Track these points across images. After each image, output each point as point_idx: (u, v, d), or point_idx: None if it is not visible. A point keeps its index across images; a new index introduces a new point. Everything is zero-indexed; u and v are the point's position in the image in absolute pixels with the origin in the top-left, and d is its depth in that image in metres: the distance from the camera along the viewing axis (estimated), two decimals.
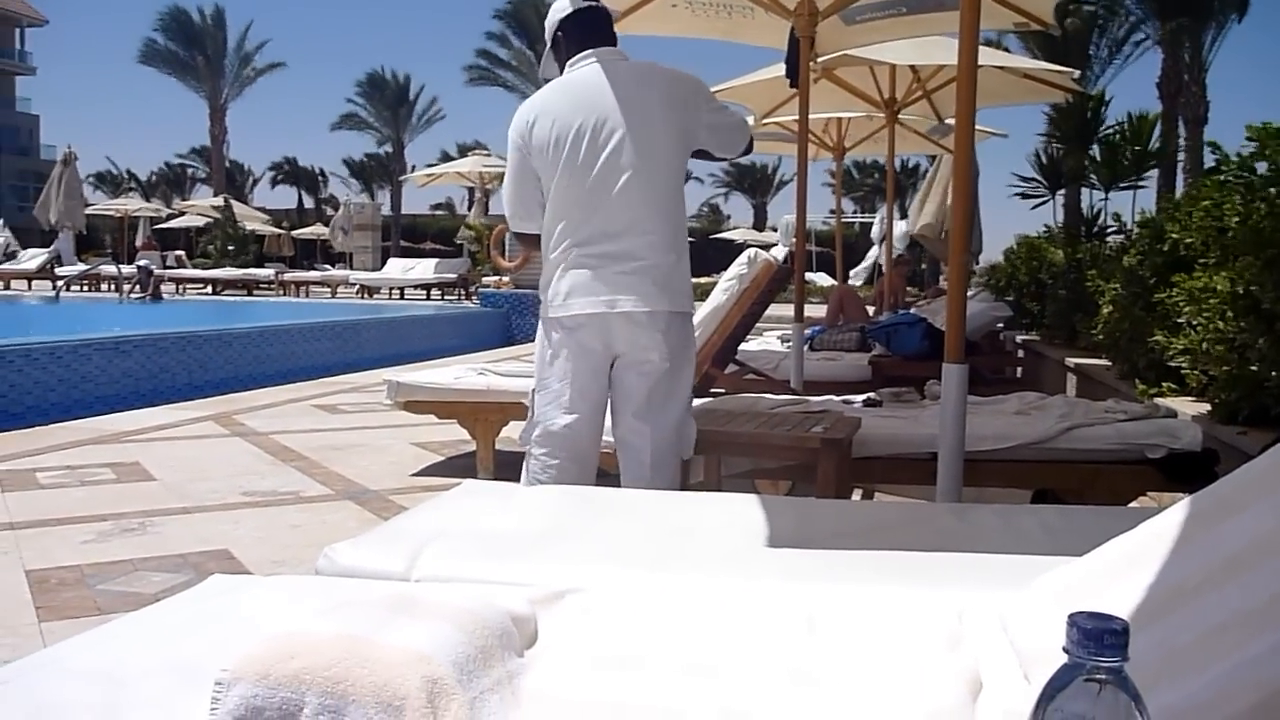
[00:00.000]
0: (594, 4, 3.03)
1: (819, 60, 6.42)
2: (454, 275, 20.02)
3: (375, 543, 1.86)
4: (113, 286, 19.72)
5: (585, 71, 2.93)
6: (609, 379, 2.91)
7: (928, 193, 11.11)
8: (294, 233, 35.69)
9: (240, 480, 4.69)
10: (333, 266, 29.56)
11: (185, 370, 8.26)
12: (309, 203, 56.57)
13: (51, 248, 23.32)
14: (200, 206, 32.71)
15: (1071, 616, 0.72)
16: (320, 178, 56.88)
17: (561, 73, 3.02)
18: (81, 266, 22.53)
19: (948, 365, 2.86)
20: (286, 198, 60.23)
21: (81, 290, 20.59)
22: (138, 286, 17.79)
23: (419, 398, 4.96)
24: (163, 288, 18.64)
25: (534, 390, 2.98)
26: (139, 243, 26.83)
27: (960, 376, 2.84)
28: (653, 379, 2.88)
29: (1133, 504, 3.35)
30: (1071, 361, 6.27)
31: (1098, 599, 1.21)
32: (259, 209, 38.47)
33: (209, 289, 23.25)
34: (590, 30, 2.99)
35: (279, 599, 1.53)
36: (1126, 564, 1.28)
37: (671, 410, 2.93)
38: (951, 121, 8.45)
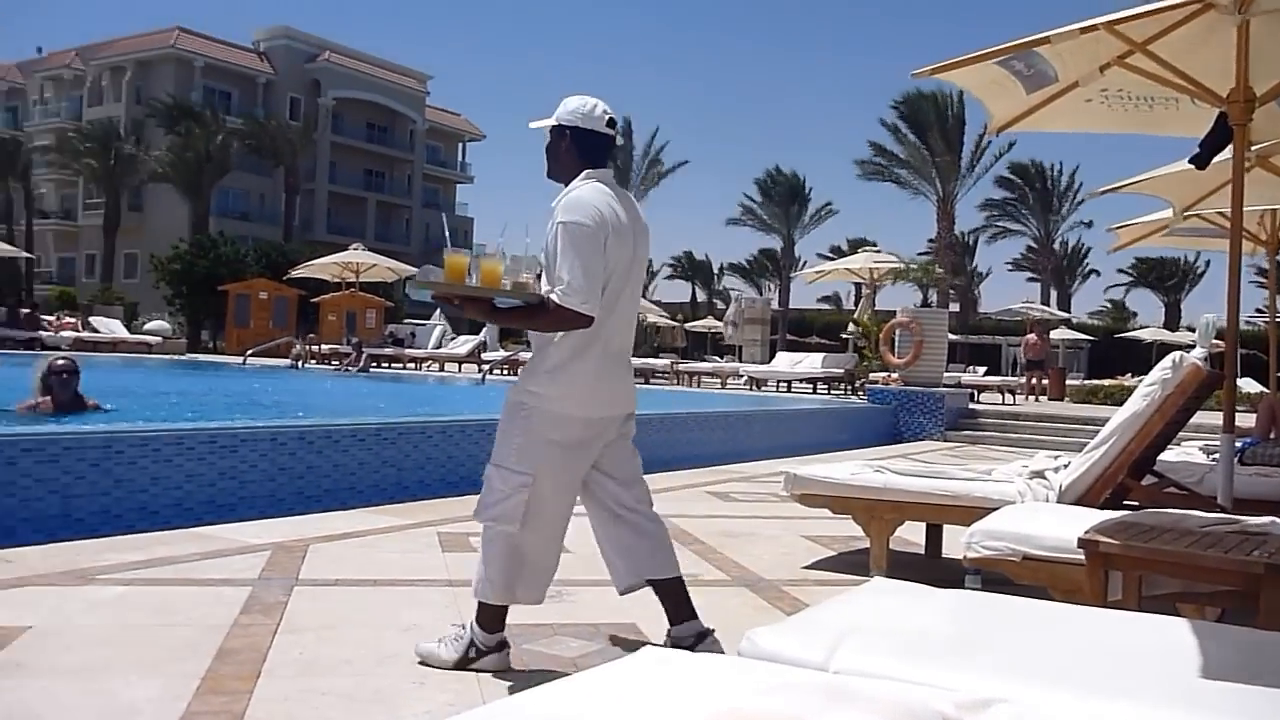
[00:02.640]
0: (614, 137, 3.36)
1: (1253, 149, 5.93)
2: (841, 370, 20.08)
3: (794, 631, 1.93)
4: None
5: (613, 189, 3.26)
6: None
7: None
8: (687, 325, 37.57)
9: None
10: (722, 358, 30.71)
11: None
12: (701, 295, 59.48)
13: (480, 335, 26.07)
14: None
15: None
16: (720, 272, 59.90)
17: (560, 168, 3.29)
18: (504, 353, 24.96)
19: None
20: (681, 291, 63.85)
21: (502, 374, 22.73)
22: None
23: (815, 491, 5.03)
24: None
25: (516, 472, 3.18)
26: None
27: None
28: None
29: None
30: None
31: None
32: (655, 302, 40.91)
33: None
34: (605, 155, 3.33)
35: (711, 675, 1.63)
36: None
37: None
38: None
